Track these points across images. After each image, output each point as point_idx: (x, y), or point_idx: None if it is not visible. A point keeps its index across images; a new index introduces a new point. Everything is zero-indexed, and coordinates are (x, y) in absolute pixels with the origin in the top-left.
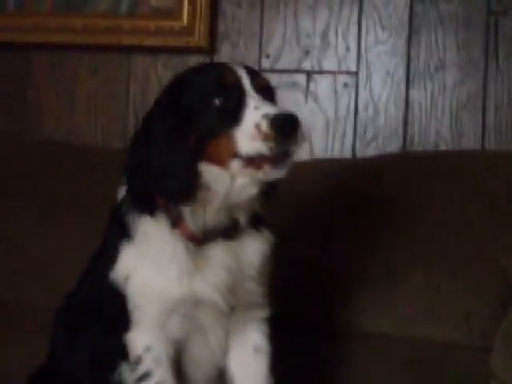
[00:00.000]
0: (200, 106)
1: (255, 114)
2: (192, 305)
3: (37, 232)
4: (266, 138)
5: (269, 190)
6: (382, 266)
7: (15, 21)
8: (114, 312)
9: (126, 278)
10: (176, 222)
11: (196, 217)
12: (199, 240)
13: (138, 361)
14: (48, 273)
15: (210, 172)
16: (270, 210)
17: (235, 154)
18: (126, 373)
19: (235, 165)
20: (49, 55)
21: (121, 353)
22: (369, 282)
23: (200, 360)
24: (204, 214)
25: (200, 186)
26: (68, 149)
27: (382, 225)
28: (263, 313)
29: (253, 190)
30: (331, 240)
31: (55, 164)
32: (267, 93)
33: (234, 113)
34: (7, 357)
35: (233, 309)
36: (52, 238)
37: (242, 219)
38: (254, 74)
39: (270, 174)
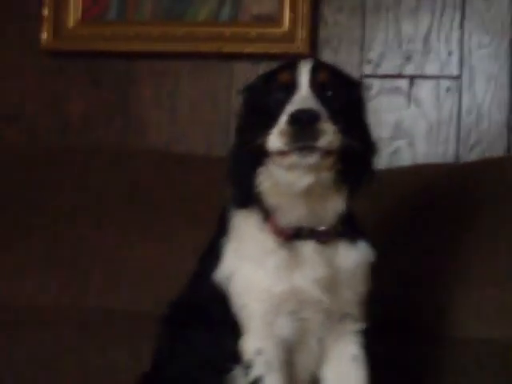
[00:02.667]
0: (260, 104)
1: (286, 113)
2: (296, 301)
3: (142, 240)
4: (282, 133)
5: (351, 188)
6: (489, 266)
7: (117, 29)
8: (220, 314)
9: (229, 278)
10: (266, 217)
11: (285, 212)
12: (288, 236)
13: (250, 365)
14: (153, 280)
15: (272, 167)
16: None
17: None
18: (238, 377)
19: (271, 159)
20: (150, 64)
21: (231, 356)
22: (475, 282)
23: (302, 365)
24: (288, 208)
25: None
26: (170, 157)
27: (488, 226)
28: (359, 326)
29: (305, 180)
30: (438, 242)
31: (158, 172)
32: (328, 87)
33: (275, 113)
34: (115, 361)
35: (330, 314)
36: (157, 246)
37: (330, 217)
38: (318, 70)
39: (297, 160)
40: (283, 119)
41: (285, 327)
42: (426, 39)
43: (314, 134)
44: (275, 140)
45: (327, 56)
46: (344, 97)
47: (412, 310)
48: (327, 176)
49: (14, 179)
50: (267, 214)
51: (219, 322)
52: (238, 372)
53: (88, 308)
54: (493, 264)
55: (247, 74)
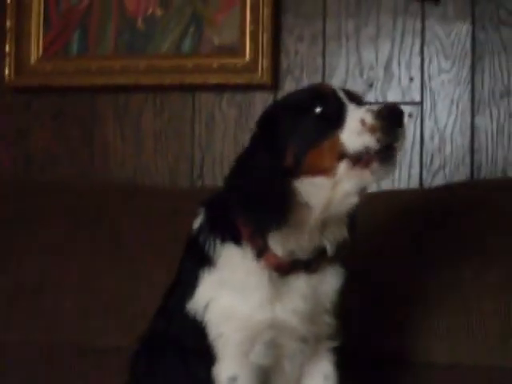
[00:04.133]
0: (298, 117)
1: (358, 111)
2: (274, 330)
3: (108, 272)
4: (372, 130)
5: (352, 220)
6: (456, 293)
7: (79, 64)
8: (193, 344)
9: (206, 307)
10: (261, 253)
11: (286, 243)
12: (285, 270)
13: None
14: (120, 312)
15: (309, 185)
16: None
17: (342, 155)
18: None
19: (343, 167)
20: (114, 97)
21: None
22: (443, 309)
23: None
24: (296, 239)
25: (295, 206)
26: (135, 189)
27: (454, 253)
28: (332, 343)
29: (354, 199)
30: (403, 268)
31: (123, 204)
32: (361, 103)
33: (335, 116)
34: None
35: (307, 339)
36: (123, 278)
37: (330, 247)
38: (345, 89)
39: (379, 172)
40: (368, 116)
41: (261, 354)
42: (387, 66)
43: (403, 131)
44: (357, 139)
45: (290, 85)
46: None
47: (377, 335)
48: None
49: None
50: (262, 250)
51: (192, 352)
52: None
53: (56, 343)
54: (458, 290)
55: (210, 104)
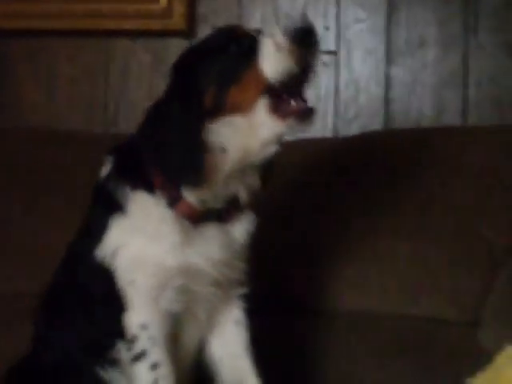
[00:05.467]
0: (215, 58)
1: (271, 38)
2: (186, 276)
3: (23, 220)
4: (289, 53)
5: (267, 170)
6: (368, 241)
7: None
8: (101, 291)
9: (115, 253)
10: (174, 202)
11: (200, 193)
12: (196, 219)
13: (134, 339)
14: (35, 259)
15: (227, 126)
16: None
17: (263, 87)
18: (122, 352)
19: (262, 103)
20: (27, 42)
21: (114, 333)
22: (355, 257)
23: (189, 335)
24: (211, 188)
25: (210, 153)
26: (48, 135)
27: (368, 201)
28: (243, 290)
29: (272, 148)
30: (315, 217)
31: (36, 150)
32: None
33: (251, 49)
34: None
35: (220, 285)
36: (39, 225)
37: (243, 196)
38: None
39: (295, 125)
40: (283, 40)
41: (172, 301)
42: (303, 15)
43: (318, 50)
44: (276, 65)
45: (205, 32)
46: None
47: (287, 283)
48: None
49: None
50: (175, 199)
51: (98, 300)
52: (121, 347)
53: None
54: (372, 241)
55: (125, 50)
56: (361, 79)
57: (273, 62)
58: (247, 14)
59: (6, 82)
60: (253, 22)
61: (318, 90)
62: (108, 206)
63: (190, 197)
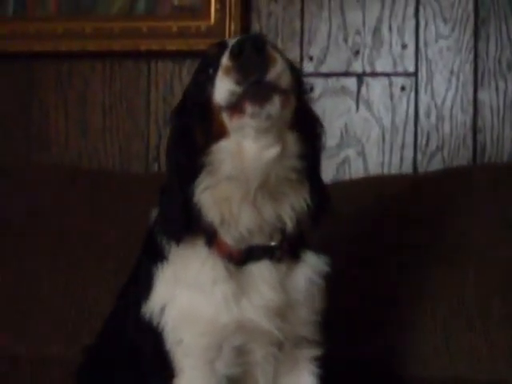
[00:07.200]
0: (196, 90)
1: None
2: (244, 334)
3: (51, 274)
4: (228, 72)
5: (317, 211)
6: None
7: (16, 27)
8: (149, 353)
9: (162, 309)
10: (211, 240)
11: (229, 227)
12: (239, 258)
13: None
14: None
15: (217, 153)
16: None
17: (220, 110)
18: None
19: (226, 120)
20: (56, 65)
21: None
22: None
23: None
24: (235, 218)
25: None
26: (81, 173)
27: (454, 250)
28: (314, 351)
29: (269, 153)
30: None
31: (64, 191)
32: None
33: (213, 72)
34: None
35: (282, 344)
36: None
37: (288, 219)
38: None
39: (255, 112)
40: (225, 59)
41: (228, 363)
42: (376, 31)
43: (264, 64)
44: (221, 86)
45: None
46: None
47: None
48: (291, 140)
49: None
50: (212, 236)
51: (148, 363)
52: None
53: None
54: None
55: (168, 74)
56: (444, 105)
57: (218, 86)
58: (311, 31)
59: (32, 111)
60: (317, 40)
61: (394, 118)
62: (153, 254)
63: (224, 234)
